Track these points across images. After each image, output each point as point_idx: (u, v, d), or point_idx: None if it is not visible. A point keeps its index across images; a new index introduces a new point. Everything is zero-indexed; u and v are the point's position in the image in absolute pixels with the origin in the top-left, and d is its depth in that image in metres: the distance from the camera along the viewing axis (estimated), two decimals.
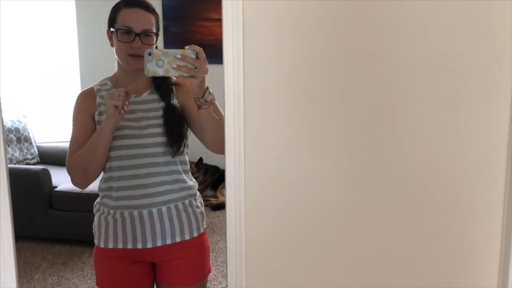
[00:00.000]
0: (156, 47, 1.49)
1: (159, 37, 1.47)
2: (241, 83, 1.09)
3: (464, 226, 1.10)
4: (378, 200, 1.12)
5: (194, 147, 1.49)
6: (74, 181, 1.44)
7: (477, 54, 1.05)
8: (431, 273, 1.13)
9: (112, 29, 1.44)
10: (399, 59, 1.07)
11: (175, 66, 1.22)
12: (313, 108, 1.11)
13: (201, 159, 4.38)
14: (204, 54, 1.24)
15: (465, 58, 1.06)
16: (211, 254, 1.63)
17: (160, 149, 1.43)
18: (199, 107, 1.34)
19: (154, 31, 1.44)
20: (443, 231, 1.11)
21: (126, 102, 1.35)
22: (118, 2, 1.44)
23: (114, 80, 1.50)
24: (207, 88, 1.30)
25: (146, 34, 1.41)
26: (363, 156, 1.10)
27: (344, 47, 1.08)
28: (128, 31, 1.40)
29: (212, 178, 4.24)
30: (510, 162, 1.07)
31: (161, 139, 1.43)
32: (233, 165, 1.12)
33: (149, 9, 1.44)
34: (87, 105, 1.45)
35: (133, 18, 1.41)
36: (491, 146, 1.08)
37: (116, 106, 1.32)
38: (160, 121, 1.44)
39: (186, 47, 1.23)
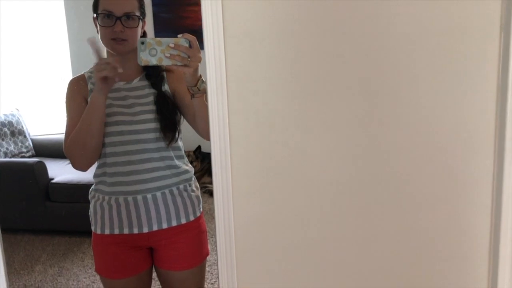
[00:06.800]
0: (144, 32, 1.48)
1: (149, 24, 1.45)
2: (223, 66, 1.07)
3: (453, 194, 1.12)
4: (367, 176, 1.12)
5: (192, 135, 1.49)
6: (74, 162, 1.42)
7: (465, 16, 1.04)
8: (418, 242, 1.15)
9: (95, 15, 1.43)
10: (392, 26, 1.05)
11: (168, 55, 1.21)
12: (300, 87, 1.09)
13: (199, 147, 4.37)
14: (198, 43, 1.24)
15: (455, 20, 1.05)
16: (210, 239, 1.64)
17: (152, 135, 1.43)
18: (192, 95, 1.34)
19: (137, 14, 1.42)
20: (430, 199, 1.12)
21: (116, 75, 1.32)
22: None
23: None
24: (200, 77, 1.30)
25: (128, 17, 1.40)
26: (353, 131, 1.09)
27: (333, 15, 1.05)
28: (109, 15, 1.39)
29: (209, 165, 4.23)
30: (498, 132, 1.07)
31: (153, 125, 1.43)
32: (219, 150, 1.12)
33: None
34: (79, 90, 1.45)
35: (113, 1, 1.40)
36: (479, 116, 1.08)
37: (105, 78, 1.30)
38: (152, 107, 1.44)
39: (179, 35, 1.23)
